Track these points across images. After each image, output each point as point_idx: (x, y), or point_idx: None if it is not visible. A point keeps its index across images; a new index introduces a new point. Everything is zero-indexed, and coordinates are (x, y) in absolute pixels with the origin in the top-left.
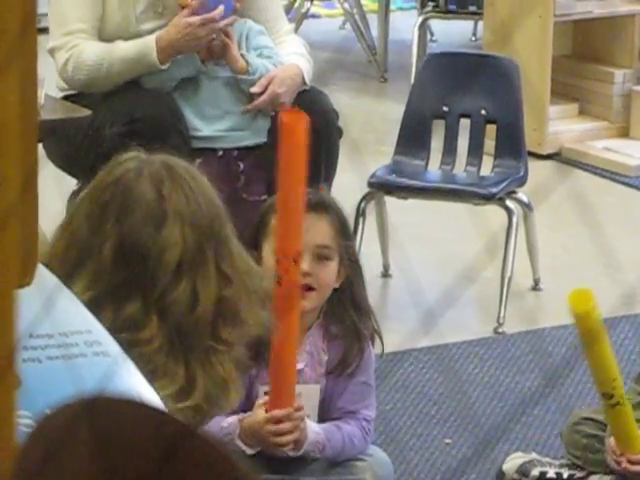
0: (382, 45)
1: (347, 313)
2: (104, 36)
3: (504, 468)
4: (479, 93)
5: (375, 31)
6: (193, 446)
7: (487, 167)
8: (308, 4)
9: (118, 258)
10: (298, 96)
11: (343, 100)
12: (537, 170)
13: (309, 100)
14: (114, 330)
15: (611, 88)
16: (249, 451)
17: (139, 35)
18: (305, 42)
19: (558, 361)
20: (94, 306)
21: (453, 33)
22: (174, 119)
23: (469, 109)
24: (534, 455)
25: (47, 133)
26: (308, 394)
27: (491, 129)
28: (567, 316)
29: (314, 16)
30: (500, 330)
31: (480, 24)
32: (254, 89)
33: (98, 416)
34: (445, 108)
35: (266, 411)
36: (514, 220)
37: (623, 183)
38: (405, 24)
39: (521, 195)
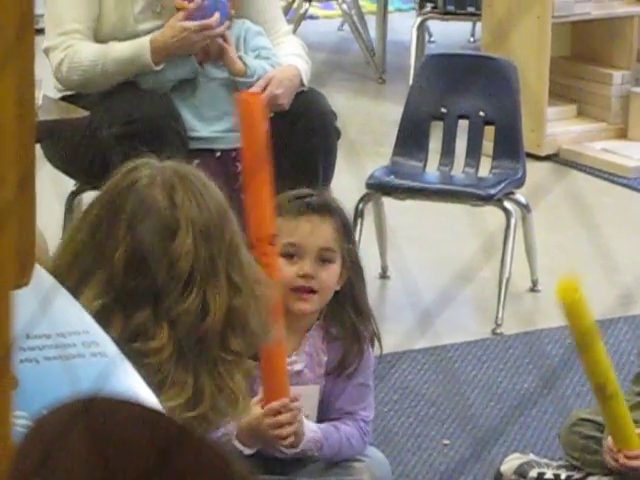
0: (380, 46)
1: (347, 315)
2: (101, 36)
3: (502, 469)
4: (477, 94)
5: (373, 32)
6: (189, 446)
7: (485, 168)
8: (306, 5)
9: (129, 265)
10: (296, 97)
11: (341, 101)
12: (535, 171)
13: (307, 101)
14: (124, 339)
15: (609, 89)
16: (247, 451)
17: (137, 35)
18: (303, 43)
19: (556, 362)
20: (104, 314)
21: (451, 34)
22: (172, 120)
23: (467, 110)
24: (532, 456)
25: (45, 134)
26: (307, 395)
27: (489, 130)
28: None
29: (312, 17)
30: (498, 331)
31: (478, 25)
32: (252, 90)
33: (94, 416)
34: (443, 109)
35: (262, 407)
36: (512, 221)
37: (621, 184)
38: (403, 25)
39: (519, 196)
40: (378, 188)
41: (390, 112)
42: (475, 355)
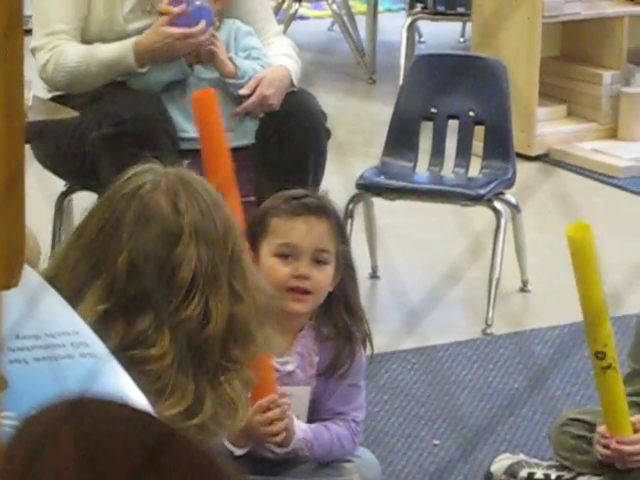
0: (370, 46)
1: (340, 316)
2: (90, 35)
3: (492, 469)
4: (467, 94)
5: (363, 32)
6: (176, 447)
7: (475, 168)
8: (296, 5)
9: (132, 271)
10: (286, 97)
11: (331, 102)
12: (525, 171)
13: (297, 102)
14: (125, 345)
15: (599, 89)
16: (238, 452)
17: (126, 34)
18: (294, 44)
19: (546, 362)
20: (106, 319)
21: (441, 34)
22: (162, 120)
23: (457, 110)
24: (522, 456)
25: (35, 134)
26: (298, 395)
27: (479, 130)
28: (556, 317)
29: (302, 17)
30: (488, 331)
31: (468, 25)
32: (242, 91)
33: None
34: (433, 109)
35: (250, 405)
36: (502, 221)
37: (611, 184)
38: (393, 25)
39: (509, 196)
40: (368, 188)
41: (380, 112)
42: (465, 355)
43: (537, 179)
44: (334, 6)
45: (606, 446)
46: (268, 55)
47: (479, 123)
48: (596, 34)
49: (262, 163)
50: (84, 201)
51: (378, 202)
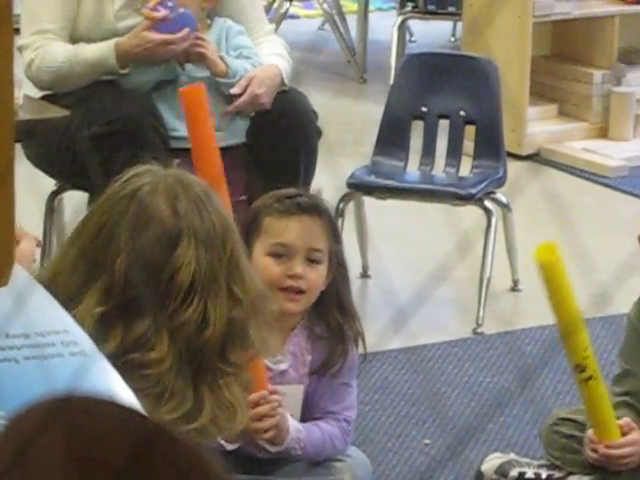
0: (361, 46)
1: (332, 315)
2: (79, 33)
3: (483, 468)
4: (458, 94)
5: (354, 32)
6: (165, 444)
7: (466, 168)
8: (287, 5)
9: (130, 273)
10: (277, 97)
11: (322, 101)
12: (516, 171)
13: (288, 101)
14: (125, 349)
15: (590, 89)
16: (229, 447)
17: (116, 32)
18: (285, 42)
19: (537, 362)
20: (104, 322)
21: (432, 34)
22: (152, 119)
23: (448, 110)
24: (513, 455)
25: (25, 133)
26: (291, 394)
27: (470, 130)
28: (546, 317)
29: (293, 17)
30: (479, 331)
31: (459, 25)
32: (233, 90)
33: (70, 414)
34: (424, 109)
35: None
36: (493, 221)
37: (602, 184)
38: (384, 25)
39: (500, 196)
40: (359, 188)
41: (371, 112)
42: (456, 355)
43: (527, 178)
44: (325, 5)
45: (595, 450)
46: (259, 54)
47: (470, 122)
48: (587, 33)
49: (253, 162)
50: (75, 200)
51: (369, 201)
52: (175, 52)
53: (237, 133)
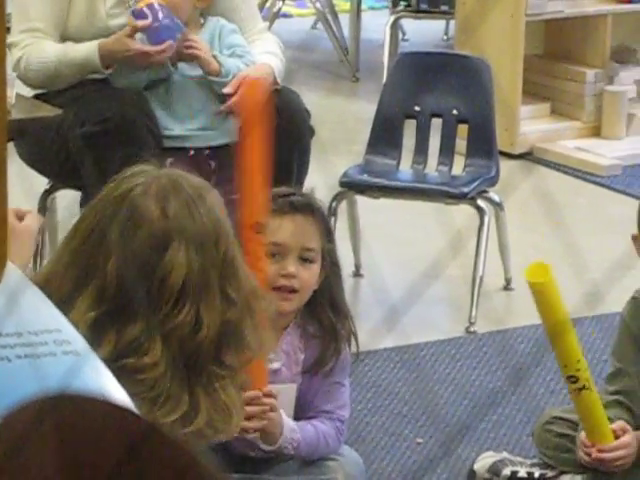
0: (354, 44)
1: (325, 314)
2: (70, 32)
3: (475, 467)
4: (450, 93)
5: (347, 30)
6: (157, 443)
7: (459, 167)
8: (280, 3)
9: (122, 276)
10: (270, 96)
11: (314, 100)
12: (508, 170)
13: (281, 100)
14: (118, 354)
15: (583, 88)
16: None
17: (108, 30)
18: (280, 41)
19: (529, 360)
20: (97, 327)
21: (425, 32)
22: (145, 118)
23: (440, 109)
24: (505, 454)
25: (18, 132)
26: (284, 393)
27: (462, 129)
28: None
29: (286, 15)
30: (472, 330)
31: (452, 23)
32: (226, 90)
33: (63, 413)
34: (417, 108)
35: None
36: (486, 220)
37: (594, 183)
38: (377, 23)
39: (492, 195)
40: (352, 186)
41: (363, 110)
42: (448, 353)
43: (520, 177)
44: (317, 4)
45: (588, 454)
46: (252, 53)
47: (462, 121)
48: (579, 32)
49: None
50: (67, 199)
51: (361, 200)
52: (155, 63)
53: (230, 132)
